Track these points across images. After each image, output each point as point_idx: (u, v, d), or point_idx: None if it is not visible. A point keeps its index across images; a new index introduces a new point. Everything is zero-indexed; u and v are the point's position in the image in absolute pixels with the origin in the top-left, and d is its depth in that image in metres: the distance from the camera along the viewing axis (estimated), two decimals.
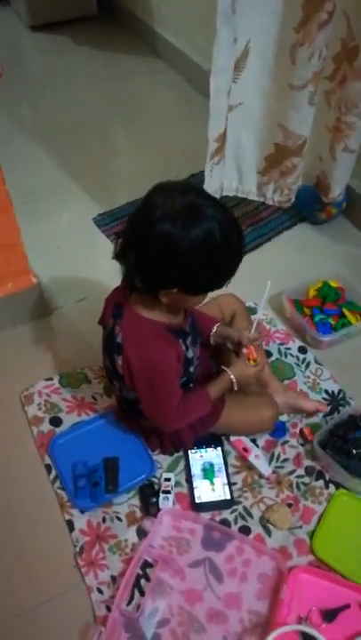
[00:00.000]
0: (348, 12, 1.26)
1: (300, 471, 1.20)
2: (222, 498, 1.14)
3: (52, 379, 1.34)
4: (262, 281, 1.10)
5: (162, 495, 1.13)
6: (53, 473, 1.18)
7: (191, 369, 1.09)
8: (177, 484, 1.17)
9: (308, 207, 1.78)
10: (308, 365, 1.41)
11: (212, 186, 1.54)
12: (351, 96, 1.37)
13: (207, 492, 1.15)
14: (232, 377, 1.10)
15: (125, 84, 2.44)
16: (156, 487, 1.15)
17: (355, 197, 1.76)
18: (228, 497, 1.14)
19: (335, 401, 1.33)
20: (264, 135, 1.49)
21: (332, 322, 1.48)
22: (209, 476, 1.17)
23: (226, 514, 1.13)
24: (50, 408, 1.28)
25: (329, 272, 1.57)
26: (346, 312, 1.48)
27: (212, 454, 1.21)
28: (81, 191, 1.90)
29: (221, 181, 1.62)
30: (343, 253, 1.73)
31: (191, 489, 1.16)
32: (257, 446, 1.23)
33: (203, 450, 1.21)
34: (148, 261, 0.89)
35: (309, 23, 1.22)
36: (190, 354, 1.07)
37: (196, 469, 1.18)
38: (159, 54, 2.54)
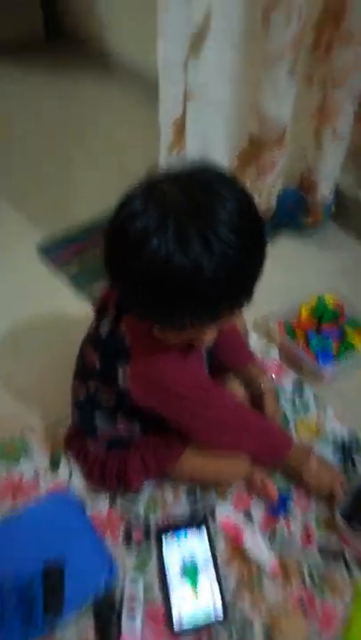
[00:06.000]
0: None
1: (312, 551, 0.89)
2: (211, 616, 0.82)
3: None
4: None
5: (125, 612, 0.81)
6: None
7: None
8: (147, 589, 0.85)
9: (292, 214, 1.50)
10: (306, 408, 1.11)
11: None
12: (339, 67, 1.12)
13: (190, 603, 0.83)
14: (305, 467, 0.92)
15: (77, 101, 2.21)
16: (118, 599, 0.83)
17: (344, 199, 1.50)
18: (220, 614, 0.82)
19: (346, 453, 1.03)
20: (235, 124, 1.20)
21: (334, 346, 1.19)
22: (191, 577, 0.85)
23: (219, 631, 0.81)
24: None
25: (322, 286, 1.30)
26: (349, 332, 1.20)
27: (194, 541, 0.89)
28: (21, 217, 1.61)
29: None
30: (336, 264, 1.46)
31: (167, 601, 0.83)
32: (251, 521, 0.92)
33: (181, 534, 0.89)
34: None
35: None
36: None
37: (172, 568, 0.86)
38: (110, 69, 2.35)
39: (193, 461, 0.90)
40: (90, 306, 1.28)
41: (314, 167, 1.31)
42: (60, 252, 1.46)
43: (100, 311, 0.84)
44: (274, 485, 0.93)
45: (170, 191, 0.61)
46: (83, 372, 0.89)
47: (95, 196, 1.60)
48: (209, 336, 0.72)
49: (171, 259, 0.59)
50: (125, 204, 0.63)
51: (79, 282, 1.37)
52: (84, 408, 0.91)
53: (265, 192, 1.34)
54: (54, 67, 2.42)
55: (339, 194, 1.47)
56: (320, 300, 1.27)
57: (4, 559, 0.85)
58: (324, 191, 1.35)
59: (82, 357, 0.89)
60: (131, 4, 2.04)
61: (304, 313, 1.26)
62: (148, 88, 2.06)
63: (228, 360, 1.00)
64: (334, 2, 1.05)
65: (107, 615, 0.80)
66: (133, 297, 0.66)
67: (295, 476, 0.94)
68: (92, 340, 0.86)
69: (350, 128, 1.23)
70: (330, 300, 1.27)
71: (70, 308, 1.31)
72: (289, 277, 1.41)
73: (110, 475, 0.92)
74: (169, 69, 0.97)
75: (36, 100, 2.21)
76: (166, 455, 0.90)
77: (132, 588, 0.83)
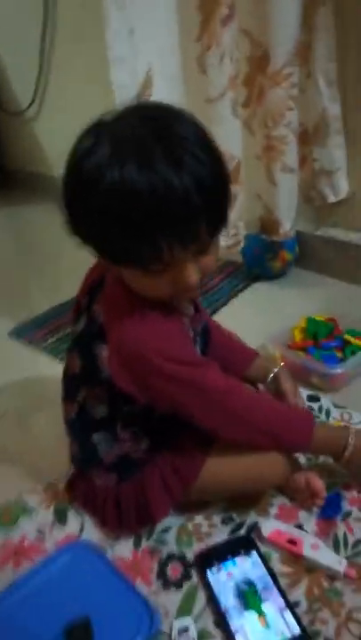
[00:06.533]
0: (248, 27, 1.18)
1: None
2: (289, 636, 0.64)
3: None
4: None
5: None
6: None
7: None
8: (203, 634, 0.66)
9: (259, 259, 1.53)
10: (328, 414, 1.02)
11: None
12: (274, 105, 1.23)
13: (259, 632, 0.65)
14: (351, 441, 0.75)
15: (29, 234, 2.24)
16: None
17: (305, 242, 1.56)
18: (297, 631, 0.64)
19: None
20: None
21: (337, 354, 1.14)
22: (253, 603, 0.68)
23: None
24: None
25: (307, 314, 1.27)
26: (349, 339, 1.15)
27: (246, 565, 0.73)
28: None
29: None
30: (313, 298, 1.45)
31: (230, 635, 0.65)
32: (306, 531, 0.77)
33: (229, 563, 0.73)
34: None
35: (211, 23, 1.10)
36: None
37: (226, 598, 0.69)
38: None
39: (219, 468, 0.76)
40: None
41: (272, 205, 1.38)
42: (32, 332, 1.40)
43: (75, 312, 0.77)
44: (321, 482, 0.80)
45: (122, 121, 0.59)
46: (69, 387, 0.79)
47: (55, 287, 1.61)
48: (191, 274, 0.62)
49: (134, 186, 0.54)
50: (76, 145, 0.60)
51: (56, 351, 1.29)
52: (78, 427, 0.78)
53: (232, 229, 1.38)
54: (4, 206, 2.55)
55: (299, 235, 1.53)
56: (310, 319, 1.24)
57: (15, 633, 0.65)
58: (286, 227, 1.40)
59: (65, 373, 0.79)
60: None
61: (298, 334, 1.22)
62: None
63: (233, 365, 0.91)
64: (256, 49, 1.20)
65: None
66: (103, 243, 0.61)
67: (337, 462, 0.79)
68: (72, 346, 0.77)
69: (297, 162, 1.34)
70: (319, 317, 1.24)
71: (51, 371, 1.22)
72: (269, 315, 1.39)
73: (128, 509, 0.77)
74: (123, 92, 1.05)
75: None
76: (188, 467, 0.76)
77: (183, 634, 0.65)
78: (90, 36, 1.83)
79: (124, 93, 1.03)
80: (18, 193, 2.59)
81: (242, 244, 1.43)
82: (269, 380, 0.90)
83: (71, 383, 0.78)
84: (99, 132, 0.58)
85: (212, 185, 0.58)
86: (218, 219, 0.61)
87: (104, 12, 0.94)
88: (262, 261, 1.54)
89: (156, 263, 0.60)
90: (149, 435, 0.77)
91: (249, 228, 1.47)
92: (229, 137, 1.24)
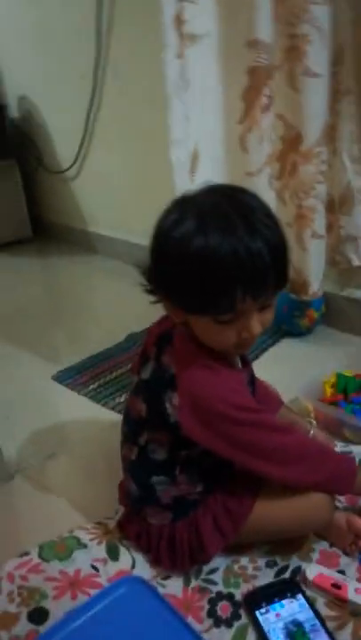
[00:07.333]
0: (283, 112, 1.33)
1: None
2: None
3: (28, 553, 0.89)
4: None
5: None
6: None
7: None
8: None
9: (288, 317, 1.62)
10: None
11: None
12: (305, 180, 1.36)
13: None
14: None
15: (65, 284, 2.37)
16: None
17: (331, 302, 1.65)
18: None
19: None
20: None
21: None
22: None
23: None
24: (28, 597, 0.81)
25: (334, 370, 1.34)
26: None
27: (293, 607, 0.76)
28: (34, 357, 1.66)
29: None
30: (340, 354, 1.53)
31: None
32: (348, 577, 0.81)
33: (276, 605, 0.77)
34: None
35: (252, 110, 1.25)
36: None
37: (277, 637, 0.72)
38: (96, 250, 2.59)
39: (267, 508, 0.81)
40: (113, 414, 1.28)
41: (302, 267, 1.48)
42: (74, 378, 1.48)
43: (141, 360, 0.85)
44: None
45: (201, 197, 0.71)
46: (131, 429, 0.86)
47: (87, 338, 1.73)
48: (255, 325, 0.72)
49: (219, 249, 0.65)
50: (163, 218, 0.72)
51: (98, 398, 1.37)
52: (138, 470, 0.85)
53: None
54: (41, 257, 2.71)
55: (325, 295, 1.63)
56: (339, 374, 1.31)
57: None
58: (316, 286, 1.50)
59: (127, 417, 0.87)
60: (108, 200, 2.41)
61: (328, 389, 1.28)
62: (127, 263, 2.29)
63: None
64: (290, 131, 1.34)
65: None
66: (186, 297, 0.71)
67: None
68: (136, 391, 0.85)
69: (325, 228, 1.45)
70: (348, 373, 1.31)
71: (95, 416, 1.29)
72: (298, 370, 1.45)
73: (182, 548, 0.82)
74: (181, 169, 1.18)
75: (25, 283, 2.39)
76: (239, 508, 0.81)
77: None
78: (129, 113, 2.05)
79: (180, 169, 1.17)
80: (54, 244, 2.76)
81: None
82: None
83: (132, 427, 0.85)
84: (184, 206, 0.70)
85: (278, 246, 0.69)
86: (282, 275, 0.72)
87: (167, 101, 1.09)
88: (291, 319, 1.62)
89: (228, 312, 0.69)
90: (204, 478, 0.83)
91: None
92: None
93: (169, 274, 0.72)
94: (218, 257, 0.66)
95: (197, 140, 1.27)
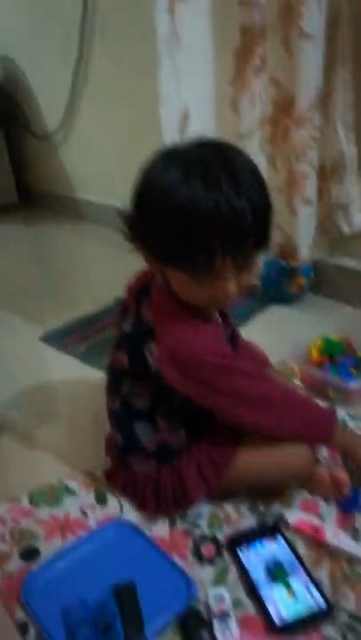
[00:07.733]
0: (277, 75, 1.32)
1: None
2: (315, 608, 0.71)
3: (18, 498, 0.92)
4: None
5: (217, 622, 0.69)
6: (33, 632, 0.70)
7: None
8: (236, 603, 0.73)
9: (276, 283, 1.64)
10: (344, 424, 1.10)
11: None
12: (297, 145, 1.37)
13: (287, 603, 0.72)
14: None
15: (52, 250, 2.37)
16: (204, 614, 0.71)
17: (320, 269, 1.67)
18: (323, 604, 0.72)
19: None
20: None
21: (353, 372, 1.23)
22: (281, 577, 0.75)
23: (327, 631, 0.69)
24: (19, 537, 0.84)
25: (321, 335, 1.37)
26: None
27: (273, 547, 0.80)
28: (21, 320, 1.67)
29: None
30: (327, 321, 1.55)
31: (262, 604, 0.72)
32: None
33: (257, 545, 0.80)
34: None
35: (244, 71, 1.25)
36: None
37: (257, 573, 0.76)
38: (84, 217, 2.57)
39: (249, 458, 0.85)
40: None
41: (292, 233, 1.49)
42: (62, 339, 1.49)
43: (122, 313, 0.87)
44: (345, 474, 0.88)
45: (190, 149, 0.71)
46: (114, 381, 0.88)
47: (86, 300, 1.73)
48: (231, 286, 0.72)
49: (201, 202, 0.66)
50: (150, 166, 0.72)
51: (88, 358, 1.38)
52: (121, 418, 0.88)
53: None
54: (27, 224, 2.68)
55: (314, 263, 1.64)
56: (326, 339, 1.33)
57: (66, 593, 0.73)
58: (304, 253, 1.52)
59: (110, 367, 0.89)
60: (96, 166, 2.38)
61: (314, 352, 1.31)
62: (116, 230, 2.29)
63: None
64: (283, 94, 1.34)
65: (196, 629, 0.68)
66: (165, 247, 0.71)
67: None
68: (118, 344, 0.86)
69: (316, 195, 1.46)
70: (335, 337, 1.34)
71: (83, 376, 1.31)
72: (285, 336, 1.47)
73: (166, 494, 0.85)
74: (171, 129, 1.18)
75: (10, 250, 2.38)
76: (222, 457, 0.85)
77: (218, 603, 0.72)
78: (117, 74, 2.00)
79: (170, 128, 1.17)
80: (41, 212, 2.73)
81: (260, 269, 1.54)
82: None
83: (116, 376, 0.87)
84: (171, 157, 0.70)
85: (261, 207, 0.69)
86: (263, 237, 0.72)
87: (157, 59, 1.08)
88: (279, 285, 1.64)
89: (205, 269, 0.70)
90: (185, 425, 0.85)
91: (267, 254, 1.58)
92: None
93: (149, 222, 0.72)
94: (199, 209, 0.66)
95: (188, 99, 1.27)
